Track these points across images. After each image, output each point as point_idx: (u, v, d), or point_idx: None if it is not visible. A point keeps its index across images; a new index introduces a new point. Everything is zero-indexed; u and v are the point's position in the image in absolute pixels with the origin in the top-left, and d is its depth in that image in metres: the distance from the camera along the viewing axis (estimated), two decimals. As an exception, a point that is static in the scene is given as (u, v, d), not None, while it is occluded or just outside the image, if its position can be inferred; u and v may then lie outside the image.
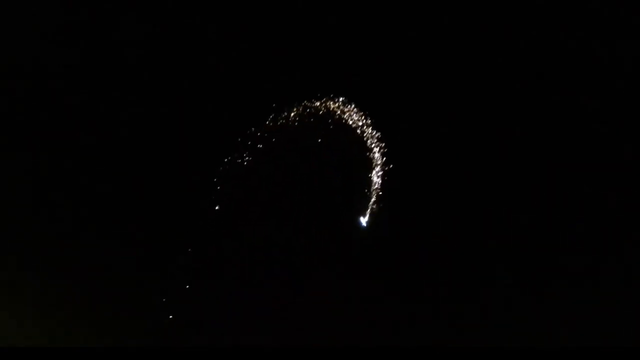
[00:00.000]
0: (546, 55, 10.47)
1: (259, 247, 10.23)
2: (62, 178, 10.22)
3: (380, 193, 10.77)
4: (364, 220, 10.51)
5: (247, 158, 10.53)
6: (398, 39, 10.69)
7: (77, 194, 10.29)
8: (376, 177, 10.84)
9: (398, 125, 10.78)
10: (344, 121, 10.98)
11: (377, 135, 10.95)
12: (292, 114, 10.71)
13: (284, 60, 10.84)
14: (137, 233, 10.36)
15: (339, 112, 10.97)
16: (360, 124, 10.99)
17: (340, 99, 10.92)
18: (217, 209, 10.20)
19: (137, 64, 10.63)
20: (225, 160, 10.40)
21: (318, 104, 10.88)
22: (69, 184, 10.26)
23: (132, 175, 10.45)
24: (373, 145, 10.95)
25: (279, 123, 10.67)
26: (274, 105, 10.62)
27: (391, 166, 10.79)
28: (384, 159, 10.88)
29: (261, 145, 10.58)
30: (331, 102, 10.96)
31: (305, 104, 10.80)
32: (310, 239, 10.22)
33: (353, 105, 10.96)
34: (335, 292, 10.02)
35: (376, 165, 10.89)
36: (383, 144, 10.93)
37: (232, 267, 10.11)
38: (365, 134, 10.99)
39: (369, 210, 10.68)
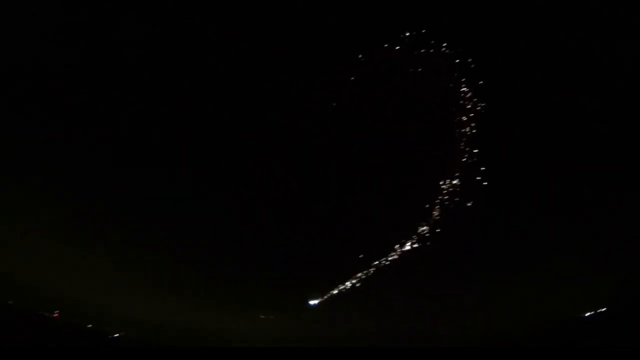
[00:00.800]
0: (546, 55, 10.46)
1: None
2: (62, 178, 10.22)
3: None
4: (313, 302, 10.64)
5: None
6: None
7: (76, 193, 10.30)
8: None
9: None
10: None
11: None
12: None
13: (283, 60, 10.86)
14: (136, 234, 10.41)
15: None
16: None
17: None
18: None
19: (137, 64, 10.63)
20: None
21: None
22: (69, 183, 10.27)
23: (131, 176, 10.47)
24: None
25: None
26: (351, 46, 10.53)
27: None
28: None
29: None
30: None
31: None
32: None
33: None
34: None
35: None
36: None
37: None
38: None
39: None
